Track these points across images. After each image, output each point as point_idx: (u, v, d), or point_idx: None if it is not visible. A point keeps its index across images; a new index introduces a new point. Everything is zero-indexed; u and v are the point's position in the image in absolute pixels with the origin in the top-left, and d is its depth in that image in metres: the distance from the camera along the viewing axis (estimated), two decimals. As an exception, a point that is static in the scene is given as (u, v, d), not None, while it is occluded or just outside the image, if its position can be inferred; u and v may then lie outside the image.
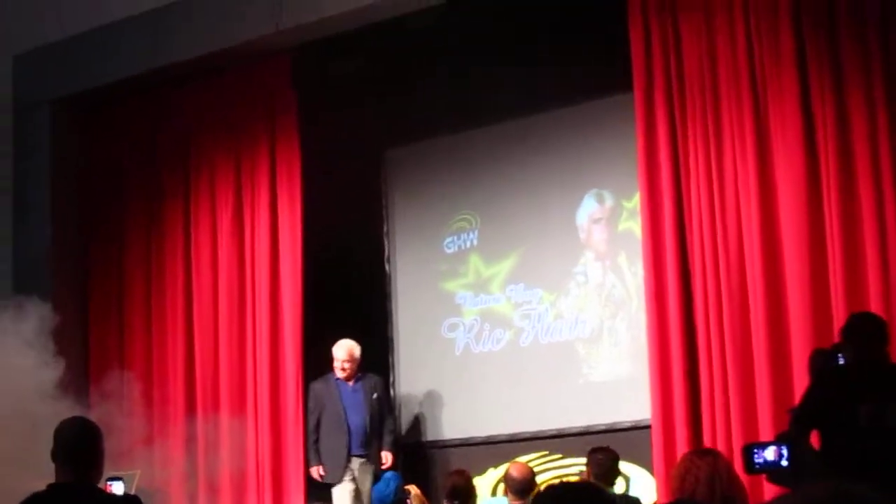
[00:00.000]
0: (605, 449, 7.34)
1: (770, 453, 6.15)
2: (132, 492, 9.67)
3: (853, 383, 5.54)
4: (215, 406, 10.92)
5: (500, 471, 10.40)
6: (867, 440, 5.33)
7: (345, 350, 10.20)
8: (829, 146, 8.72)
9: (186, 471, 10.79)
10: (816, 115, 8.81)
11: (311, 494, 10.20)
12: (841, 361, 6.10)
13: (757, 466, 6.19)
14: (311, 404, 10.32)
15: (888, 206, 8.49)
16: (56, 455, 5.46)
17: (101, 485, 5.70)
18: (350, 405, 10.18)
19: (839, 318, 8.24)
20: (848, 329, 5.93)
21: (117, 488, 7.25)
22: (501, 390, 10.49)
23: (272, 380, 10.71)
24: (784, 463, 6.01)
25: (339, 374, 10.21)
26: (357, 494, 9.96)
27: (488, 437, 10.46)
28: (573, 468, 10.18)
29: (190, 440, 10.86)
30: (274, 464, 10.61)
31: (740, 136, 9.01)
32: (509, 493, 7.60)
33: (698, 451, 6.22)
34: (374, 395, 10.23)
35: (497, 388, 10.41)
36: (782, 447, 6.04)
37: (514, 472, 7.67)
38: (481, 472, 10.44)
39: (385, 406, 10.38)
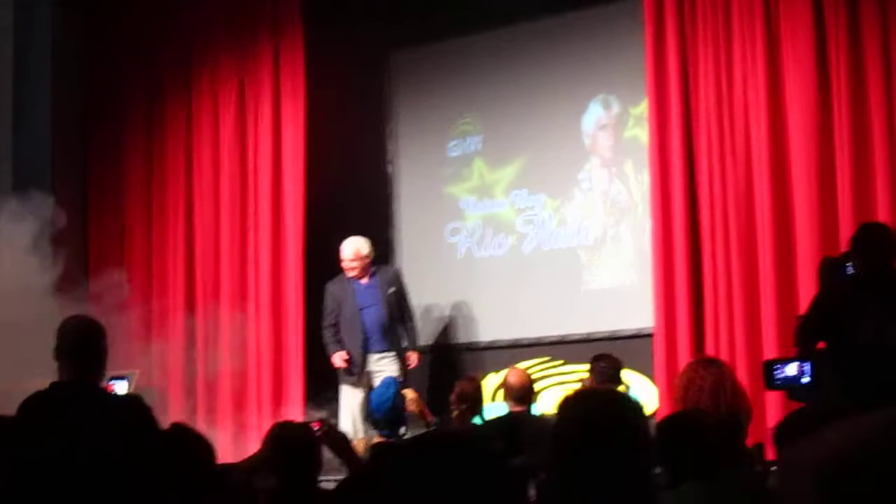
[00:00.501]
0: (607, 356, 7.31)
1: (792, 369, 6.08)
2: (131, 391, 9.90)
3: (860, 294, 5.42)
4: (215, 305, 10.89)
5: (500, 376, 10.31)
6: (868, 358, 5.23)
7: (351, 249, 9.98)
8: (840, 54, 8.68)
9: (185, 369, 10.81)
10: (828, 22, 8.75)
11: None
12: (850, 271, 6.02)
13: (777, 382, 6.12)
14: (327, 304, 10.05)
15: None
16: (59, 353, 5.44)
17: (103, 384, 5.68)
18: (365, 303, 9.93)
19: (846, 228, 8.27)
20: (857, 239, 5.80)
21: (120, 388, 7.24)
22: (503, 296, 10.47)
23: (273, 279, 10.68)
24: (805, 380, 5.94)
25: (349, 273, 9.98)
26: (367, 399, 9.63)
27: (490, 342, 10.47)
28: (574, 375, 10.18)
29: (189, 339, 10.85)
30: (274, 362, 10.59)
31: (751, 43, 8.97)
32: (508, 400, 7.58)
33: (703, 360, 6.14)
34: (391, 290, 9.98)
35: (499, 293, 10.39)
36: (804, 364, 5.97)
37: (513, 379, 7.64)
38: (482, 376, 10.31)
39: (404, 299, 10.10)
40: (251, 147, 10.94)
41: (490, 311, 10.33)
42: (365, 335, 9.86)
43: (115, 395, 6.08)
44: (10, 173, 11.09)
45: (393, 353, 9.89)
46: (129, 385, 9.58)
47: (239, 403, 10.59)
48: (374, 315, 9.89)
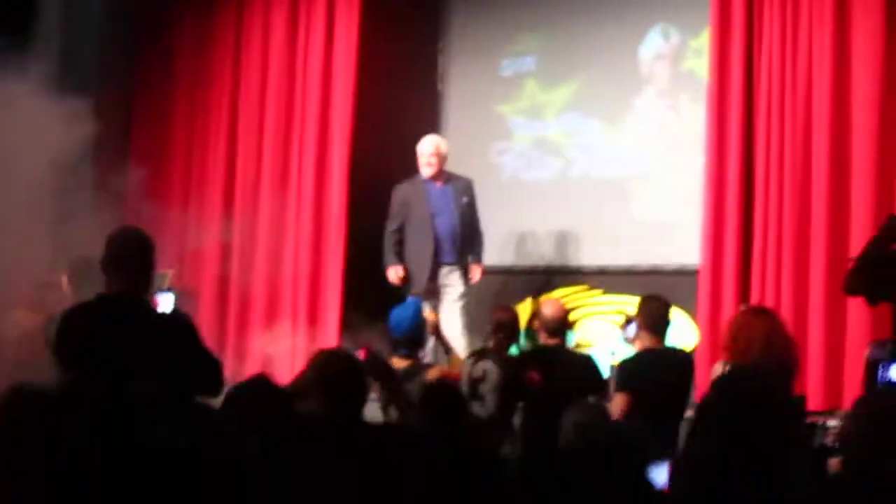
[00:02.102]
0: (657, 298, 7.09)
1: None
2: (164, 289, 9.73)
3: None
4: (254, 208, 10.77)
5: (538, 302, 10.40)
6: None
7: (431, 143, 9.50)
8: None
9: (220, 273, 10.74)
10: None
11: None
12: None
13: (879, 385, 5.94)
14: (394, 207, 9.53)
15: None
16: (105, 264, 5.36)
17: (150, 297, 5.60)
18: (438, 208, 9.41)
19: None
20: None
21: (165, 301, 7.13)
22: (546, 220, 10.37)
23: (316, 193, 10.54)
24: None
25: (426, 171, 9.44)
26: (440, 307, 9.27)
27: (530, 266, 10.38)
28: (612, 306, 10.16)
29: (226, 243, 10.73)
30: (313, 273, 10.47)
31: None
32: (542, 332, 7.42)
33: (754, 309, 6.07)
34: (465, 200, 9.48)
35: (542, 218, 10.28)
36: None
37: (547, 311, 7.47)
38: (520, 300, 10.35)
39: (476, 212, 9.57)
40: (300, 55, 10.74)
41: (532, 235, 10.23)
42: (436, 242, 9.39)
43: (163, 313, 5.92)
44: (56, 62, 10.91)
45: (462, 268, 9.48)
46: (164, 283, 9.64)
47: (271, 315, 10.48)
48: (447, 222, 9.42)
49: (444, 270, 9.40)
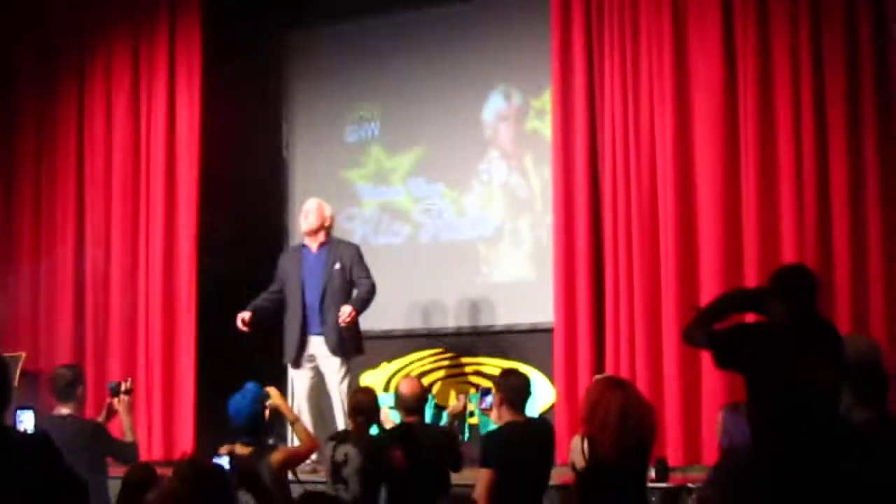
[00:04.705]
0: (517, 372, 6.91)
1: None
2: (17, 373, 9.55)
3: (785, 337, 5.24)
4: (105, 291, 10.62)
5: (393, 366, 10.45)
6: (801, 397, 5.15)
7: (309, 203, 9.20)
8: (748, 49, 8.61)
9: (74, 353, 10.49)
10: (736, 23, 8.70)
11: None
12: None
13: None
14: (276, 274, 9.20)
15: (805, 127, 8.45)
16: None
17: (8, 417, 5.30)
18: (309, 275, 8.99)
19: (749, 233, 8.41)
20: (779, 281, 5.44)
21: (27, 419, 6.89)
22: (399, 285, 10.29)
23: (165, 270, 10.40)
24: None
25: (303, 227, 9.11)
26: (319, 380, 8.98)
27: (384, 331, 10.27)
28: (468, 367, 10.19)
29: (78, 336, 10.62)
30: (165, 357, 10.30)
31: (658, 38, 8.92)
32: (400, 409, 7.33)
33: (608, 380, 6.08)
34: (337, 266, 8.96)
35: (395, 282, 10.17)
36: None
37: (405, 390, 7.35)
38: (375, 365, 10.40)
39: (360, 276, 8.95)
40: (144, 130, 10.62)
41: (385, 300, 10.01)
42: (303, 310, 8.97)
43: (23, 435, 5.54)
44: None
45: (335, 339, 8.90)
46: (15, 367, 9.54)
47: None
48: (314, 290, 8.97)
49: (314, 341, 8.98)
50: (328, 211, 9.14)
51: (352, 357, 9.04)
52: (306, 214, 9.11)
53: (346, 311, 8.73)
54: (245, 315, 8.97)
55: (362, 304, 8.91)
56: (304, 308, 8.98)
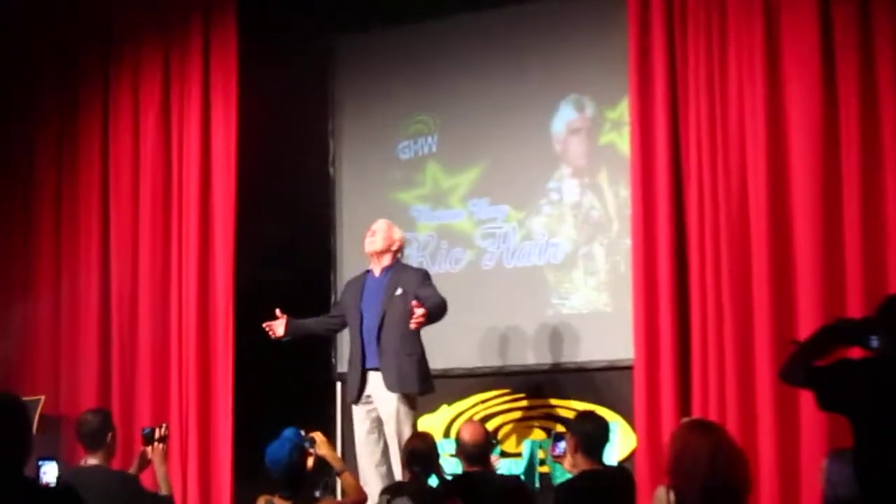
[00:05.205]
0: (593, 416, 6.79)
1: None
2: (35, 418, 9.19)
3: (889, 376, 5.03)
4: (133, 323, 10.01)
5: (454, 409, 10.02)
6: None
7: (381, 222, 8.66)
8: (848, 55, 8.08)
9: (99, 396, 9.92)
10: (835, 19, 8.15)
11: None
12: (874, 344, 5.31)
13: None
14: (338, 300, 8.93)
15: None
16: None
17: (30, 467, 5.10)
18: (368, 302, 8.44)
19: (852, 259, 7.99)
20: (887, 311, 5.20)
21: (50, 471, 6.55)
22: (459, 318, 9.50)
23: (200, 299, 9.76)
24: None
25: (367, 248, 8.56)
26: (377, 423, 8.27)
27: (443, 370, 9.60)
28: (538, 410, 9.78)
29: (104, 367, 10.08)
30: (201, 391, 9.66)
31: (748, 42, 8.37)
32: (461, 457, 7.11)
33: (696, 423, 5.81)
34: (399, 291, 8.30)
35: (454, 315, 9.47)
36: None
37: (466, 436, 7.08)
38: (434, 409, 9.88)
39: (424, 302, 8.10)
40: (176, 148, 10.05)
41: (443, 335, 9.36)
42: (362, 343, 8.41)
43: (45, 488, 5.41)
44: None
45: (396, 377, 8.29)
46: (34, 412, 9.20)
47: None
48: (372, 319, 8.39)
49: (372, 378, 8.34)
50: (397, 234, 8.66)
51: (415, 395, 8.33)
52: (372, 234, 8.60)
53: (418, 311, 7.99)
54: (277, 325, 8.54)
55: (433, 312, 8.15)
56: (362, 339, 8.40)
